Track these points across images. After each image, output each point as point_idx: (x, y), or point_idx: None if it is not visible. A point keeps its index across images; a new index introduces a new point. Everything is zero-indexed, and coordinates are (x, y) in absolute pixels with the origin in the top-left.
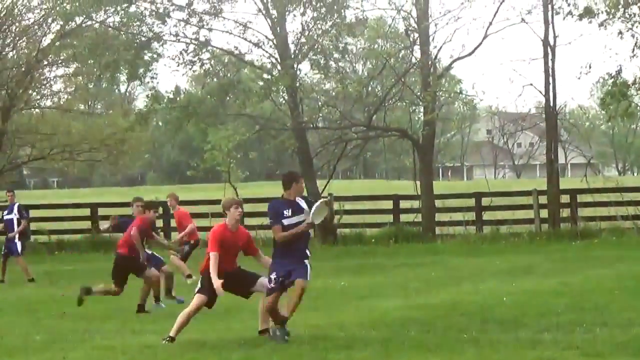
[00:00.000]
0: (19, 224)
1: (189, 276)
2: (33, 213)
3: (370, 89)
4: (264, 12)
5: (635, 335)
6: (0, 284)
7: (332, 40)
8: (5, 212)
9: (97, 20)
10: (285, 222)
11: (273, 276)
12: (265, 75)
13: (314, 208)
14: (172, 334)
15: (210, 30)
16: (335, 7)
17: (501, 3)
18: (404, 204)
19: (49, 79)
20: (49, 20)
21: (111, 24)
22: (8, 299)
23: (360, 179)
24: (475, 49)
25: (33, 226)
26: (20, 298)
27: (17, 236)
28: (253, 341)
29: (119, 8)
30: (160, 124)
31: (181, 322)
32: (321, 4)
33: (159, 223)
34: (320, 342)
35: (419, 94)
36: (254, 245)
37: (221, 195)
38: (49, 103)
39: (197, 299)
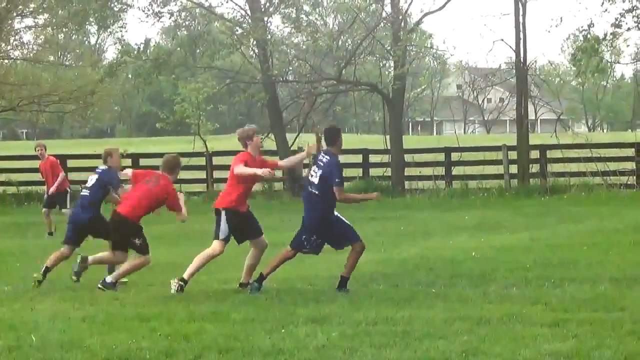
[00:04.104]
0: None
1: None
2: (1, 164)
3: (340, 43)
4: None
5: (603, 291)
6: None
7: None
8: None
9: None
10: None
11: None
12: (235, 28)
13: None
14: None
15: None
16: None
17: None
18: (373, 158)
19: (18, 30)
20: None
21: None
22: None
23: None
24: (446, 3)
25: (1, 177)
26: None
27: None
28: (221, 294)
29: None
30: (130, 76)
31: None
32: None
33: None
34: (289, 296)
35: (389, 48)
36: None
37: (190, 148)
38: (18, 54)
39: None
